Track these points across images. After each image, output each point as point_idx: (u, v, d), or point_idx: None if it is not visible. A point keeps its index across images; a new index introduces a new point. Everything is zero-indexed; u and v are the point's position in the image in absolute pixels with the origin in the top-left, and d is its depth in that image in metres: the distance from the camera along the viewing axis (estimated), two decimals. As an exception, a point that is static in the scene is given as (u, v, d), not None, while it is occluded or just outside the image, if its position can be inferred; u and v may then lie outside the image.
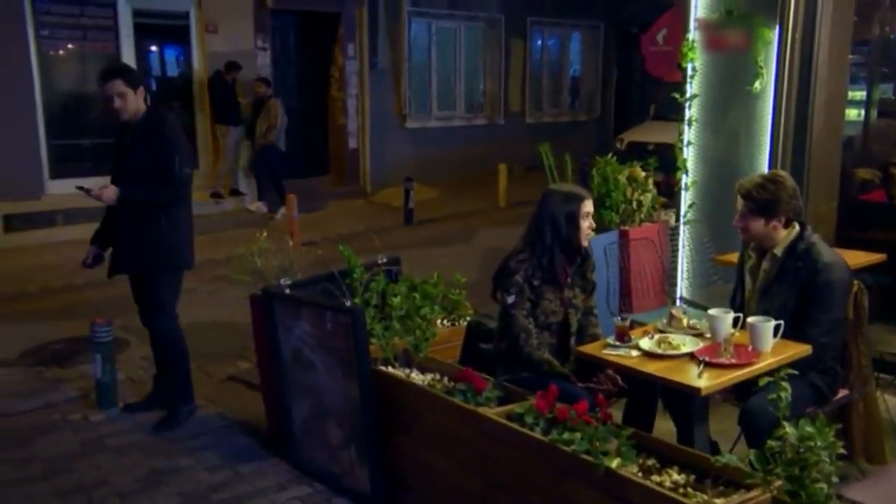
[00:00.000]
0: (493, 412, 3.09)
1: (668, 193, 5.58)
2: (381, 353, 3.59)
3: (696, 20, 4.92)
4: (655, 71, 8.74)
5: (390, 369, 3.57)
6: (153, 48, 10.81)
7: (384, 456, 3.55)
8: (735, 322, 3.24)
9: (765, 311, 3.31)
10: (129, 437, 4.35)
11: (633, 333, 3.34)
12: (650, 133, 11.18)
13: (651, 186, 5.13)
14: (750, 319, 3.20)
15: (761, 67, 4.58)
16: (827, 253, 3.43)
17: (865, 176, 5.89)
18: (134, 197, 4.22)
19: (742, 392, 3.31)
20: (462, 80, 14.08)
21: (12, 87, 8.84)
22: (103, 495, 3.76)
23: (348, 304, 3.61)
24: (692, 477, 2.60)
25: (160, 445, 4.24)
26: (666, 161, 5.48)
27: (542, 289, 3.54)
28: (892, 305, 4.65)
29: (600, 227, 4.69)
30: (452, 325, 4.19)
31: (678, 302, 5.12)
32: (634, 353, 3.21)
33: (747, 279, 3.65)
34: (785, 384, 2.52)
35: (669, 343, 3.23)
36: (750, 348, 3.14)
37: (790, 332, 3.22)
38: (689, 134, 5.03)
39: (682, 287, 5.22)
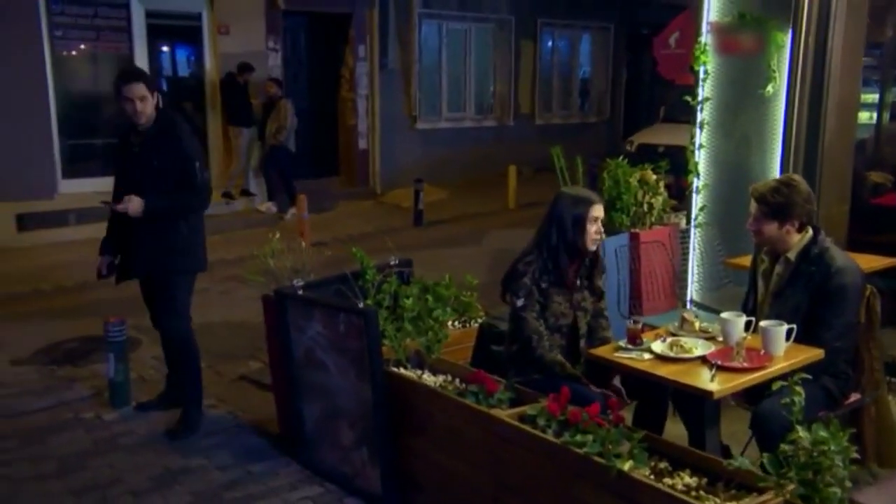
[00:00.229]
0: (504, 414, 3.10)
1: (679, 196, 5.58)
2: (394, 355, 3.60)
3: (708, 23, 4.91)
4: (667, 74, 8.73)
5: (402, 371, 3.58)
6: (165, 49, 10.87)
7: (396, 457, 3.56)
8: (747, 326, 3.25)
9: (777, 315, 3.31)
10: (142, 435, 4.38)
11: (645, 336, 3.35)
12: (660, 135, 11.18)
13: (662, 189, 5.13)
14: (762, 323, 3.20)
15: (774, 71, 4.57)
16: (840, 257, 3.43)
17: (878, 179, 5.89)
18: (160, 207, 4.14)
19: (753, 396, 3.31)
20: (472, 81, 14.08)
21: (26, 87, 8.88)
22: (117, 493, 3.79)
23: (361, 305, 3.63)
24: (704, 480, 2.60)
25: (173, 444, 4.26)
26: (676, 164, 5.48)
27: (550, 291, 3.54)
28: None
29: (611, 230, 4.70)
30: (464, 326, 4.21)
31: (689, 305, 5.12)
32: (647, 356, 3.22)
33: (760, 283, 3.65)
34: (798, 388, 2.53)
35: (681, 346, 3.23)
36: (762, 352, 3.14)
37: (803, 336, 3.23)
38: (701, 137, 5.02)
39: (693, 290, 5.21)
